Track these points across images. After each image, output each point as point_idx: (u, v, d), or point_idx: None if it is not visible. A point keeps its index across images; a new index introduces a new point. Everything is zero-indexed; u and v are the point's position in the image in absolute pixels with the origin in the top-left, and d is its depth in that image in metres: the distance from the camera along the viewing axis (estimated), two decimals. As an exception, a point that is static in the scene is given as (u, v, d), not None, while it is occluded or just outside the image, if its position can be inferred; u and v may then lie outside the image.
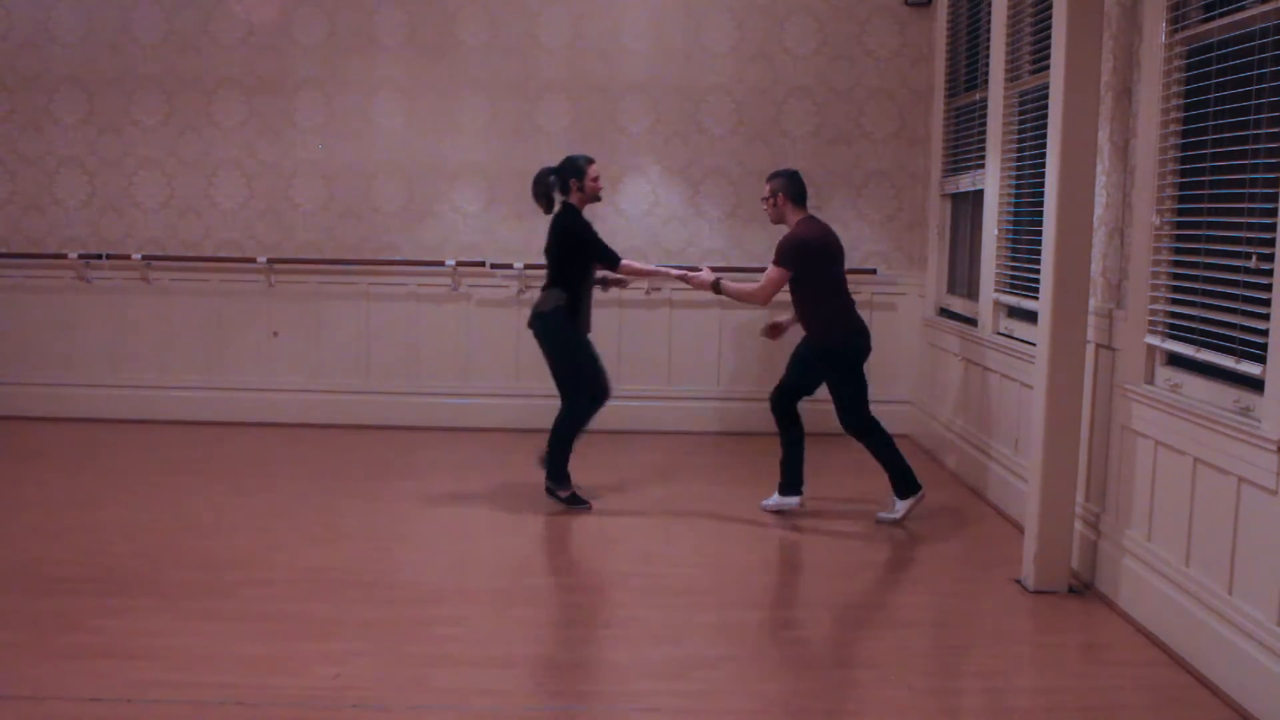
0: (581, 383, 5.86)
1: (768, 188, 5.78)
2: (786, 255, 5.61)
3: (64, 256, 7.94)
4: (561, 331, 5.79)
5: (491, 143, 7.87)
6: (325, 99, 7.86)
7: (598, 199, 5.98)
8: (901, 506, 5.70)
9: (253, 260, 7.92)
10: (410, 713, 3.55)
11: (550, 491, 5.91)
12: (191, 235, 7.99)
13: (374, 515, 5.80)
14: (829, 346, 5.69)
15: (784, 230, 5.79)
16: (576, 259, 5.82)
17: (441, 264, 7.86)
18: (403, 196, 7.91)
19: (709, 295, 7.71)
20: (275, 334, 7.99)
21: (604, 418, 6.08)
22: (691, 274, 5.99)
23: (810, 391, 5.83)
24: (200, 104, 7.89)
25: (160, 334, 8.02)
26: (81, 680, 3.68)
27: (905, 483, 5.70)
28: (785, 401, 5.76)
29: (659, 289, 7.80)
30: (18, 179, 7.98)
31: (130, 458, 7.06)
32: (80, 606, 4.36)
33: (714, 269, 6.13)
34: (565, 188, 5.85)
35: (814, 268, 5.66)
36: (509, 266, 7.82)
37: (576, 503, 5.88)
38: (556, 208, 5.89)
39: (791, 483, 5.80)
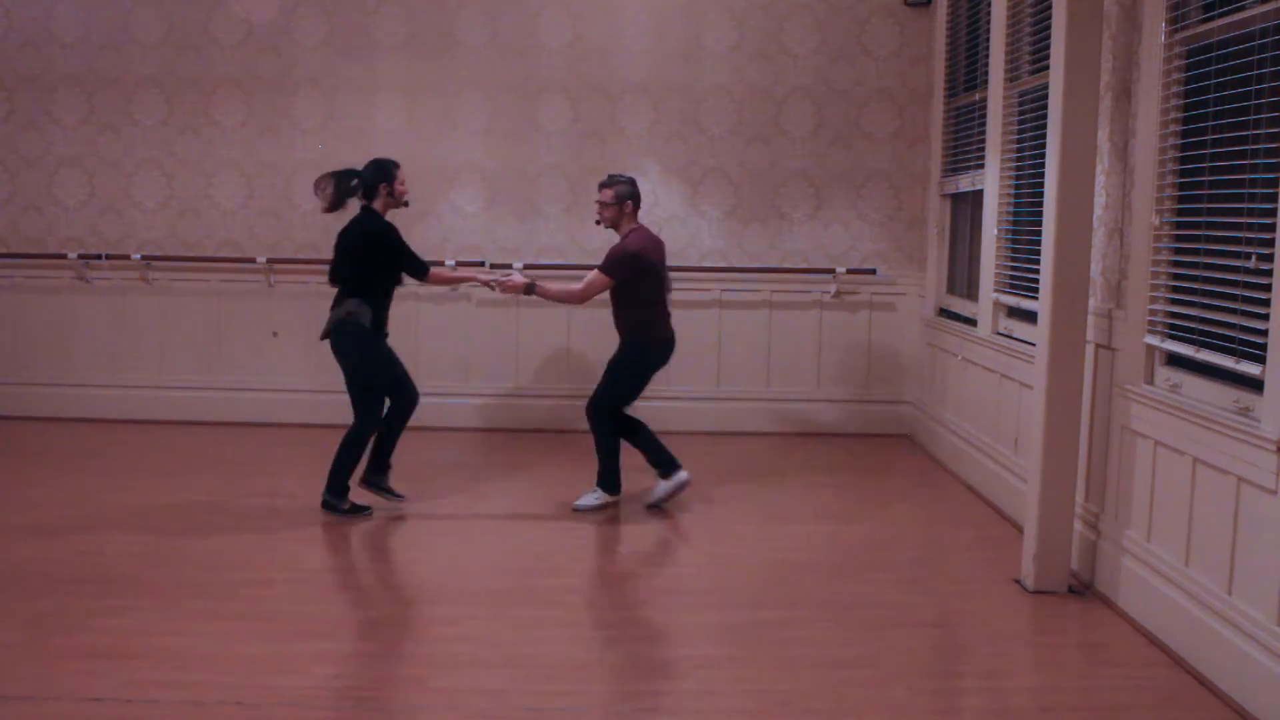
0: (377, 396, 5.72)
1: (609, 193, 5.82)
2: (617, 265, 5.70)
3: (64, 256, 7.94)
4: (363, 344, 5.58)
5: (491, 143, 7.86)
6: (325, 99, 7.86)
7: (405, 204, 5.84)
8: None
9: (252, 260, 7.92)
10: (410, 713, 3.56)
11: (329, 505, 5.68)
12: (191, 235, 7.99)
13: (374, 515, 5.80)
14: (645, 345, 5.79)
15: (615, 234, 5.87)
16: (381, 267, 5.64)
17: (441, 264, 7.85)
18: (402, 196, 7.91)
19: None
20: (275, 334, 7.99)
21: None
22: (503, 278, 5.98)
23: (630, 400, 5.89)
24: (200, 104, 7.89)
25: (160, 334, 8.02)
26: (81, 680, 3.68)
27: (610, 480, 5.84)
28: (601, 410, 5.81)
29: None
30: (18, 179, 7.98)
31: (130, 458, 7.06)
32: (80, 606, 4.36)
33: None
34: (371, 192, 5.68)
35: (643, 279, 5.75)
36: (508, 266, 7.81)
37: (358, 511, 5.71)
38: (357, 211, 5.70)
39: (610, 480, 5.87)
